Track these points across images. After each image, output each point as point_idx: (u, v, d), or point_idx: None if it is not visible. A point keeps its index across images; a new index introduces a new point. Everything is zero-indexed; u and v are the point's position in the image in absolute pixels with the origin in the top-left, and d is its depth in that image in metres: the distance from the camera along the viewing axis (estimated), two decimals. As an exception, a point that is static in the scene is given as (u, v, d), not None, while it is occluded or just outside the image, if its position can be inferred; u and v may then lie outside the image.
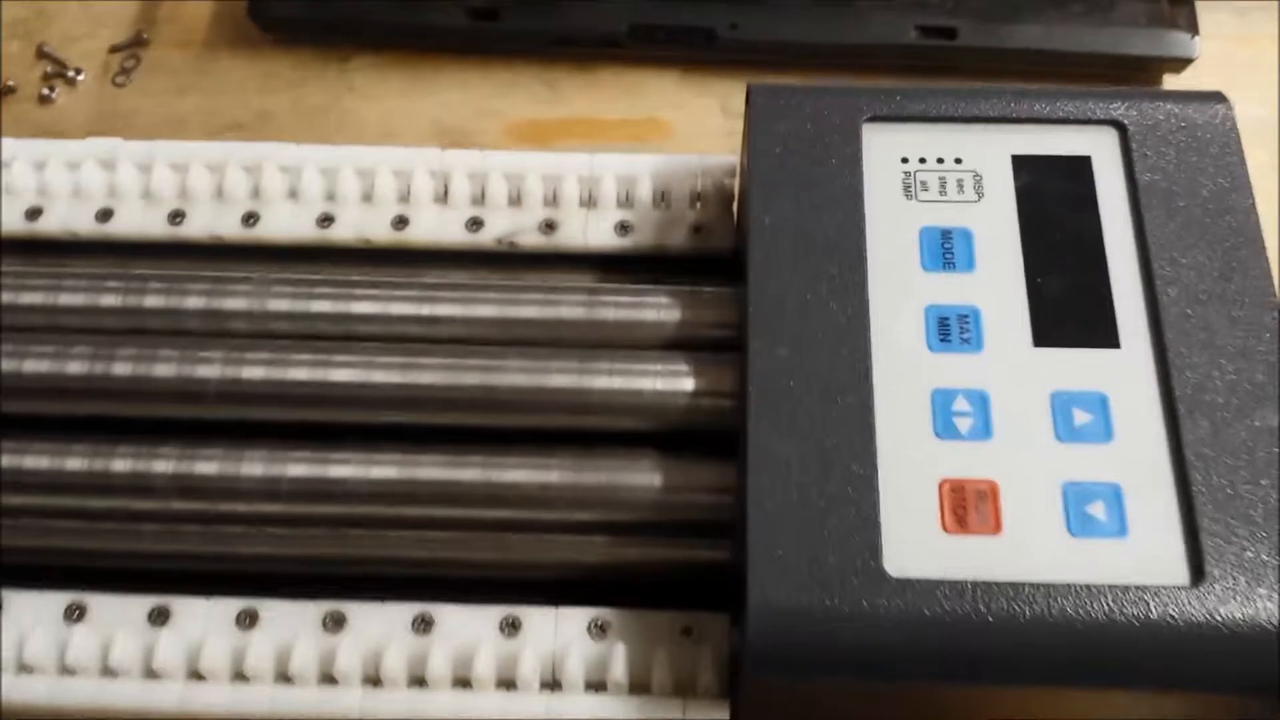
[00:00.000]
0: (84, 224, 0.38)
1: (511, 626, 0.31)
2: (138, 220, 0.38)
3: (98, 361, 0.33)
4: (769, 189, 0.32)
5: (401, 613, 0.32)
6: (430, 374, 0.33)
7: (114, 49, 0.51)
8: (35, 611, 0.32)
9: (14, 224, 0.38)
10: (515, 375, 0.33)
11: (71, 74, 0.51)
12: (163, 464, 0.33)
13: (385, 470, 0.32)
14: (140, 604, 0.32)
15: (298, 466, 0.33)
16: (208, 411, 0.33)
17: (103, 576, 0.33)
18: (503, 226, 0.37)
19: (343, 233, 0.37)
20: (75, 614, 0.32)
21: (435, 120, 0.50)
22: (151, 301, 0.35)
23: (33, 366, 0.33)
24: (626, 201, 0.38)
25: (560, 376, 0.33)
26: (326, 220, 0.38)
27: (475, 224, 0.37)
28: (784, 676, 0.27)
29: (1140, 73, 0.49)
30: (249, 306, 0.34)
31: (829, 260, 0.31)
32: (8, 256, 0.37)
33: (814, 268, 0.31)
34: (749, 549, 0.28)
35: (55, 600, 0.32)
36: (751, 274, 0.31)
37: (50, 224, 0.38)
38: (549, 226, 0.37)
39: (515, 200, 0.38)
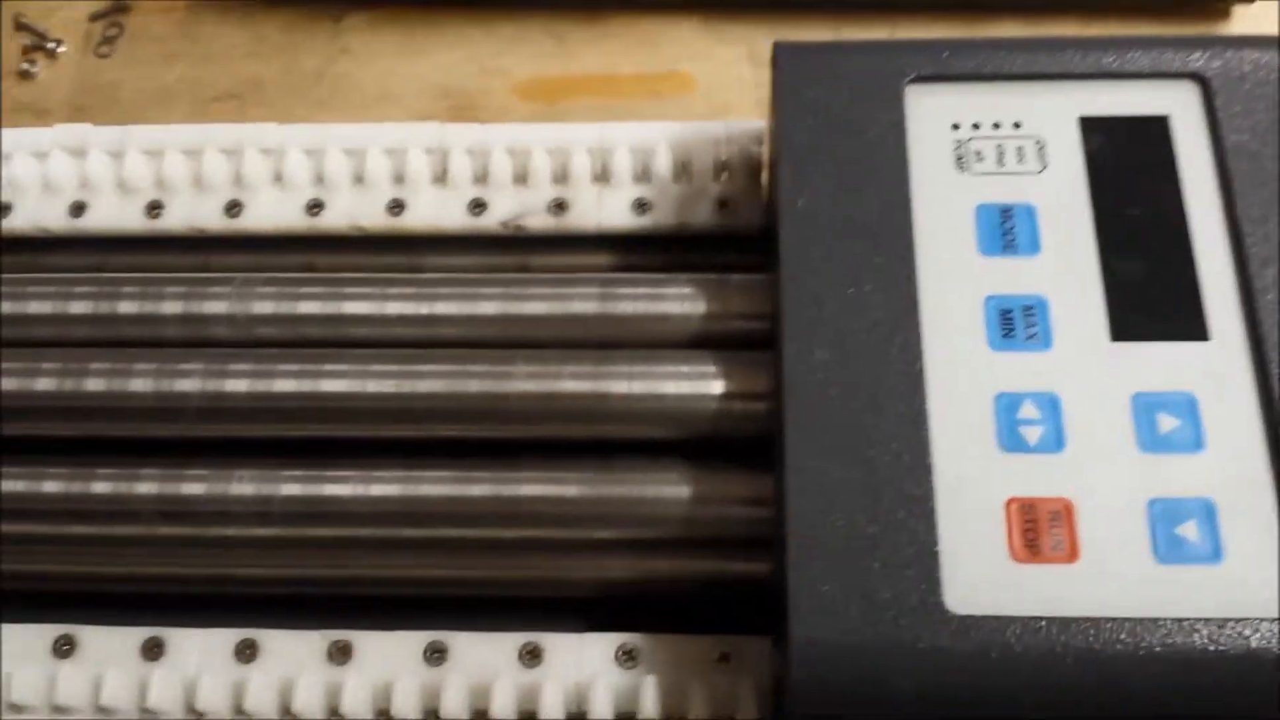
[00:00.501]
0: (56, 219, 0.35)
1: (532, 655, 0.29)
2: (113, 214, 0.35)
3: (68, 378, 0.30)
4: (801, 165, 0.29)
5: (412, 642, 0.29)
6: (430, 382, 0.30)
7: (94, 17, 0.48)
8: (22, 645, 0.30)
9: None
10: (524, 382, 0.30)
11: (52, 45, 0.48)
12: (145, 486, 0.30)
13: (386, 489, 0.30)
14: (132, 636, 0.30)
15: (290, 486, 0.30)
16: (190, 429, 0.30)
17: (90, 604, 0.30)
18: (508, 208, 0.34)
19: (334, 220, 0.34)
20: (64, 648, 0.30)
21: (436, 82, 0.46)
22: (125, 308, 0.32)
23: (-2, 384, 0.31)
24: (644, 175, 0.34)
25: (574, 382, 0.30)
26: (316, 207, 0.34)
27: (478, 206, 0.34)
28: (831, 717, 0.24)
29: (1207, 4, 0.44)
30: (231, 310, 0.31)
31: (872, 246, 0.28)
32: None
33: (855, 255, 0.28)
34: (789, 580, 0.25)
35: (43, 633, 0.30)
36: (784, 265, 0.28)
37: (19, 221, 0.35)
38: (559, 206, 0.34)
39: (521, 178, 0.34)
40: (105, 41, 0.48)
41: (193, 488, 0.30)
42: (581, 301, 0.31)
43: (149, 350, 0.31)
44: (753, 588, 0.29)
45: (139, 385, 0.30)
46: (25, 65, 0.47)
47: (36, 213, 0.35)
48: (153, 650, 0.29)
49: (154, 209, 0.35)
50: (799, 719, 0.24)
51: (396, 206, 0.34)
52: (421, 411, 0.30)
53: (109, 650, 0.29)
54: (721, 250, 0.34)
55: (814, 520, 0.25)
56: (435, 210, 0.34)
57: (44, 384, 0.30)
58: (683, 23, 0.47)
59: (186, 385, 0.30)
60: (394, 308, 0.31)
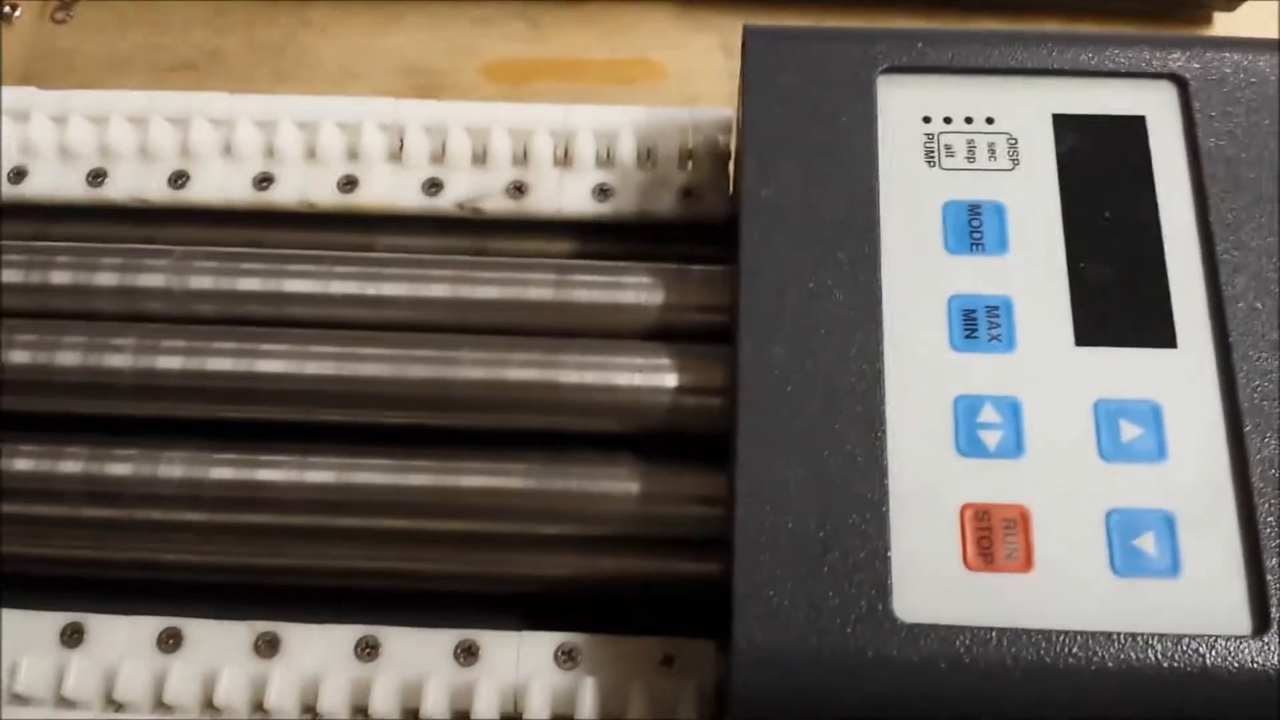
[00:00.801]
0: (-5, 185, 0.33)
1: (468, 653, 0.28)
2: (54, 181, 0.33)
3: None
4: (766, 154, 0.28)
5: (343, 635, 0.28)
6: (372, 365, 0.29)
7: (51, -19, 0.47)
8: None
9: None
10: (471, 368, 0.28)
11: (7, 10, 0.46)
12: (70, 465, 0.29)
13: (321, 475, 0.28)
14: (51, 621, 0.28)
15: (222, 470, 0.28)
16: (119, 407, 0.29)
17: (7, 586, 0.29)
18: (465, 188, 0.33)
19: (283, 195, 0.33)
20: (-22, 631, 0.28)
21: (402, 60, 0.45)
22: (58, 278, 0.30)
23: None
24: (607, 160, 0.33)
25: (523, 370, 0.28)
26: (265, 181, 0.33)
27: (433, 186, 0.33)
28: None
29: (1188, 9, 0.43)
30: (168, 284, 0.30)
31: (835, 240, 0.27)
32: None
33: (817, 249, 0.27)
34: (735, 584, 0.24)
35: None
36: (744, 257, 0.27)
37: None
38: (518, 189, 0.33)
39: (480, 158, 0.33)
40: (62, 7, 0.46)
41: (120, 468, 0.28)
42: (536, 288, 0.30)
43: (79, 323, 0.30)
44: (701, 589, 0.28)
45: (67, 359, 0.29)
46: (-23, 28, 0.46)
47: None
48: (72, 636, 0.28)
49: (96, 177, 0.33)
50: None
51: (349, 183, 0.33)
52: (362, 395, 0.29)
53: (26, 635, 0.28)
54: (684, 240, 0.33)
55: (763, 521, 0.24)
56: (389, 188, 0.33)
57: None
58: (658, 8, 0.46)
59: (117, 361, 0.29)
60: (339, 287, 0.30)
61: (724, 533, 0.27)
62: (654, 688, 0.27)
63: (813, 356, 0.25)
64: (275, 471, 0.28)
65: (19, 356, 0.29)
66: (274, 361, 0.29)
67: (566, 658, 0.27)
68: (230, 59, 0.45)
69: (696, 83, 0.45)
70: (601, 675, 0.27)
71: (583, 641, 0.27)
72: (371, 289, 0.30)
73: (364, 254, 0.31)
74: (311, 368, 0.29)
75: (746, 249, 0.27)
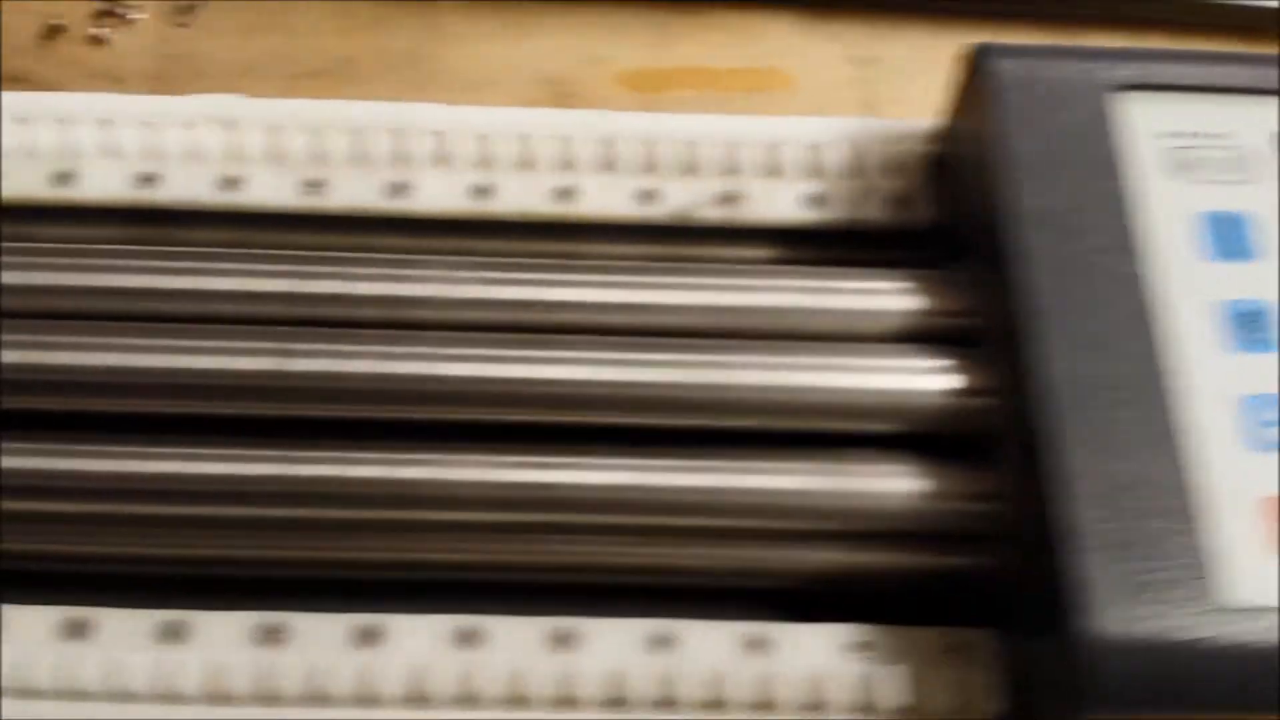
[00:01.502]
0: (205, 193, 0.33)
1: (758, 644, 0.28)
2: (268, 189, 0.33)
3: (283, 358, 0.30)
4: (1020, 168, 0.29)
5: (634, 629, 0.29)
6: (654, 371, 0.30)
7: (171, -15, 0.46)
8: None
9: (122, 191, 0.33)
10: (751, 373, 0.30)
11: (122, 12, 0.45)
12: (362, 469, 0.29)
13: (613, 476, 0.29)
14: (245, 620, 0.29)
15: (514, 472, 0.29)
16: (405, 412, 0.30)
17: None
18: (677, 198, 0.34)
19: (500, 205, 0.34)
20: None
21: (537, 69, 0.46)
22: (322, 286, 0.31)
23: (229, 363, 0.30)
24: (814, 170, 0.34)
25: (799, 374, 0.30)
26: (481, 192, 0.34)
27: (646, 196, 0.34)
28: (1126, 712, 0.24)
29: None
30: (436, 293, 0.31)
31: (1100, 249, 0.28)
32: (119, 227, 0.33)
33: (1084, 258, 0.28)
34: (1067, 575, 0.25)
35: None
36: (1017, 268, 0.28)
37: (168, 192, 0.33)
38: (729, 199, 0.34)
39: (689, 169, 0.34)
40: (185, 10, 0.46)
41: (414, 472, 0.29)
42: (789, 294, 0.31)
43: (350, 330, 0.30)
44: (972, 583, 0.29)
45: (350, 366, 0.29)
46: (95, 31, 0.45)
47: (186, 185, 0.33)
48: (270, 635, 0.28)
49: (313, 186, 0.34)
50: (1093, 715, 0.25)
51: (564, 194, 0.34)
52: (646, 401, 0.29)
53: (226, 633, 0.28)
54: (892, 247, 0.34)
55: (1083, 516, 0.25)
56: (604, 198, 0.34)
57: (249, 363, 0.29)
58: (780, 18, 0.47)
59: (399, 367, 0.29)
60: (604, 295, 0.31)
61: (993, 529, 0.29)
62: (947, 678, 0.28)
63: (1100, 360, 0.27)
64: (569, 473, 0.29)
65: (303, 365, 0.29)
66: (558, 368, 0.29)
67: (860, 648, 0.28)
68: (362, 66, 0.45)
69: (825, 93, 0.46)
70: (895, 664, 0.28)
71: (872, 632, 0.28)
72: (636, 296, 0.31)
73: (633, 263, 0.32)
74: (592, 373, 0.29)
75: (1018, 261, 0.28)
